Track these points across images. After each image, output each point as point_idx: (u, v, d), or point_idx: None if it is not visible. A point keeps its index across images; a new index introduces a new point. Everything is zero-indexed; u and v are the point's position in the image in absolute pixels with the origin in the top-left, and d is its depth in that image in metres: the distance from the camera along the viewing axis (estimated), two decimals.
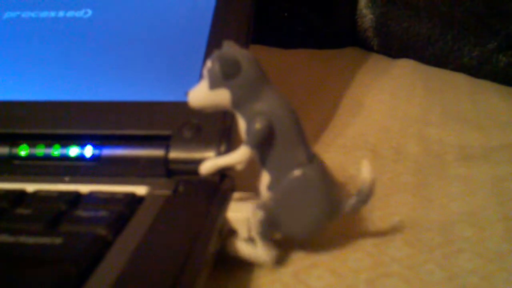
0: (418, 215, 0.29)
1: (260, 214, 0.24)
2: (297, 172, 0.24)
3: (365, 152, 0.36)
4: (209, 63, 0.24)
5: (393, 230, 0.27)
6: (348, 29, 0.62)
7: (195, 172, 0.25)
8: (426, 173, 0.34)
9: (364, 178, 0.25)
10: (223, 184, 0.27)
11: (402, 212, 0.29)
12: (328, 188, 0.25)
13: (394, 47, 0.59)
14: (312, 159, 0.24)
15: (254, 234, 0.24)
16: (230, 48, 0.24)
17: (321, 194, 0.24)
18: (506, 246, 0.26)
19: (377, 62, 0.58)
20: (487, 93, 0.48)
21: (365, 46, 0.62)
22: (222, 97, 0.24)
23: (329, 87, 0.50)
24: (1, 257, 0.21)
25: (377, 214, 0.29)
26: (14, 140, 0.29)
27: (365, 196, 0.25)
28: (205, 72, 0.24)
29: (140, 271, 0.21)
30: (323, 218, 0.24)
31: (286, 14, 0.63)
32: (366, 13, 0.60)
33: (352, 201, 0.25)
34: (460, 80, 0.52)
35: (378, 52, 0.61)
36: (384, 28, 0.59)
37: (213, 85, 0.24)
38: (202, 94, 0.24)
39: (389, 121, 0.42)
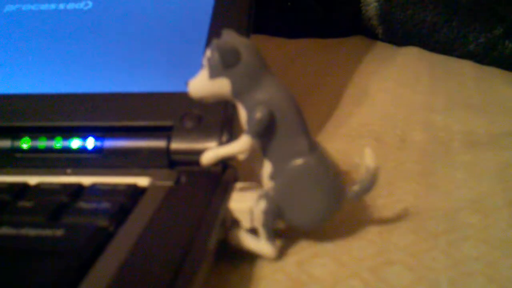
0: (423, 203, 0.28)
1: (263, 204, 0.24)
2: (298, 161, 0.24)
3: (369, 141, 0.36)
4: (208, 52, 0.24)
5: (397, 218, 0.27)
6: (352, 18, 0.62)
7: (197, 163, 0.25)
8: (431, 160, 0.33)
9: (367, 165, 0.25)
10: (225, 175, 0.26)
11: (407, 200, 0.29)
12: (331, 176, 0.24)
13: (399, 35, 0.58)
14: (314, 147, 0.24)
15: (257, 225, 0.24)
16: (229, 37, 0.24)
17: (324, 182, 0.24)
18: (511, 232, 0.26)
19: (381, 50, 0.58)
20: (493, 79, 0.48)
21: (370, 34, 0.61)
22: (222, 86, 0.24)
23: (333, 76, 0.50)
24: (3, 249, 0.21)
25: (381, 202, 0.28)
26: (16, 133, 0.29)
27: (369, 183, 0.25)
28: (204, 61, 0.24)
29: (142, 262, 0.21)
30: (328, 207, 0.24)
31: (289, 3, 0.63)
32: (370, 1, 0.59)
33: (355, 188, 0.25)
34: (466, 67, 0.51)
35: (382, 40, 0.60)
36: (389, 16, 0.58)
37: (213, 74, 0.24)
38: (202, 84, 0.24)
39: (393, 109, 0.42)
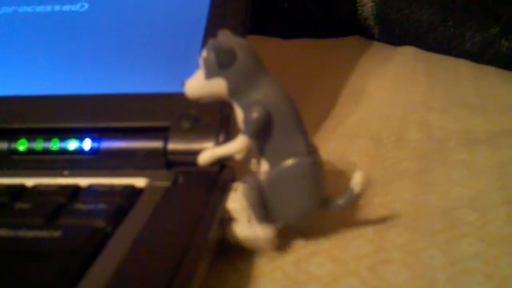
0: (420, 201, 0.28)
1: (250, 183, 0.24)
2: (291, 161, 0.24)
3: (366, 140, 0.36)
4: (204, 53, 0.24)
5: (395, 216, 0.27)
6: (348, 18, 0.62)
7: (194, 163, 0.25)
8: (428, 159, 0.33)
9: (353, 187, 0.24)
10: (223, 175, 0.26)
11: (404, 198, 0.29)
12: (318, 183, 0.24)
13: (395, 34, 0.58)
14: (311, 150, 0.24)
15: (247, 207, 0.24)
16: (225, 37, 0.24)
17: (309, 186, 0.24)
18: (509, 229, 0.26)
19: (378, 50, 0.58)
20: (489, 78, 0.48)
21: (366, 34, 0.62)
22: (218, 86, 0.24)
23: (330, 76, 0.50)
24: (1, 251, 0.21)
25: (378, 201, 0.28)
26: (13, 135, 0.29)
27: (350, 203, 0.25)
28: (200, 62, 0.24)
29: (140, 263, 0.21)
30: (308, 208, 0.24)
31: (286, 4, 0.63)
32: (366, 1, 0.60)
33: (339, 202, 0.25)
34: (462, 66, 0.51)
35: (379, 40, 0.61)
36: (385, 16, 0.59)
37: (209, 74, 0.24)
38: (198, 84, 0.24)
39: (390, 108, 0.42)
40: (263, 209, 0.24)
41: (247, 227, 0.24)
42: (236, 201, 0.25)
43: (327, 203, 0.25)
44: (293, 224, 0.25)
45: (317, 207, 0.25)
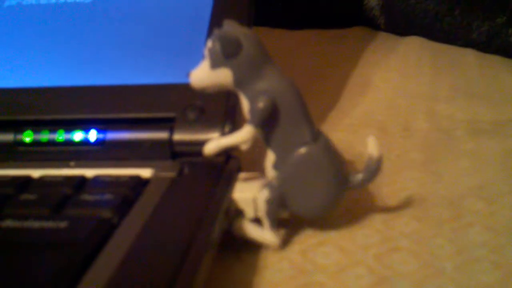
0: (427, 191, 0.28)
1: (266, 194, 0.24)
2: (302, 150, 0.24)
3: (373, 130, 0.36)
4: (209, 43, 0.24)
5: (402, 206, 0.27)
6: (354, 8, 0.62)
7: (200, 154, 0.25)
8: (435, 149, 0.33)
9: (371, 154, 0.24)
10: (229, 165, 0.26)
11: (411, 188, 0.29)
12: (335, 164, 0.24)
13: (401, 24, 0.58)
14: (317, 136, 0.24)
15: (261, 214, 0.24)
16: (230, 27, 0.24)
17: (328, 171, 0.24)
18: None
19: (384, 41, 0.57)
20: (496, 68, 0.48)
21: (372, 25, 0.61)
22: (223, 76, 0.24)
23: (336, 67, 0.50)
24: (7, 242, 0.21)
25: (385, 191, 0.28)
26: (19, 126, 0.29)
27: (373, 171, 0.25)
28: (206, 52, 0.24)
29: (146, 254, 0.21)
30: (332, 196, 0.24)
31: None
32: None
33: (359, 176, 0.25)
34: (469, 55, 0.51)
35: (385, 30, 0.60)
36: (391, 6, 0.58)
37: (214, 64, 0.23)
38: (203, 74, 0.24)
39: (397, 98, 0.42)
40: (279, 208, 0.24)
41: (256, 228, 0.24)
42: (243, 192, 0.25)
43: (348, 181, 0.25)
44: (321, 216, 0.25)
45: (341, 191, 0.24)
